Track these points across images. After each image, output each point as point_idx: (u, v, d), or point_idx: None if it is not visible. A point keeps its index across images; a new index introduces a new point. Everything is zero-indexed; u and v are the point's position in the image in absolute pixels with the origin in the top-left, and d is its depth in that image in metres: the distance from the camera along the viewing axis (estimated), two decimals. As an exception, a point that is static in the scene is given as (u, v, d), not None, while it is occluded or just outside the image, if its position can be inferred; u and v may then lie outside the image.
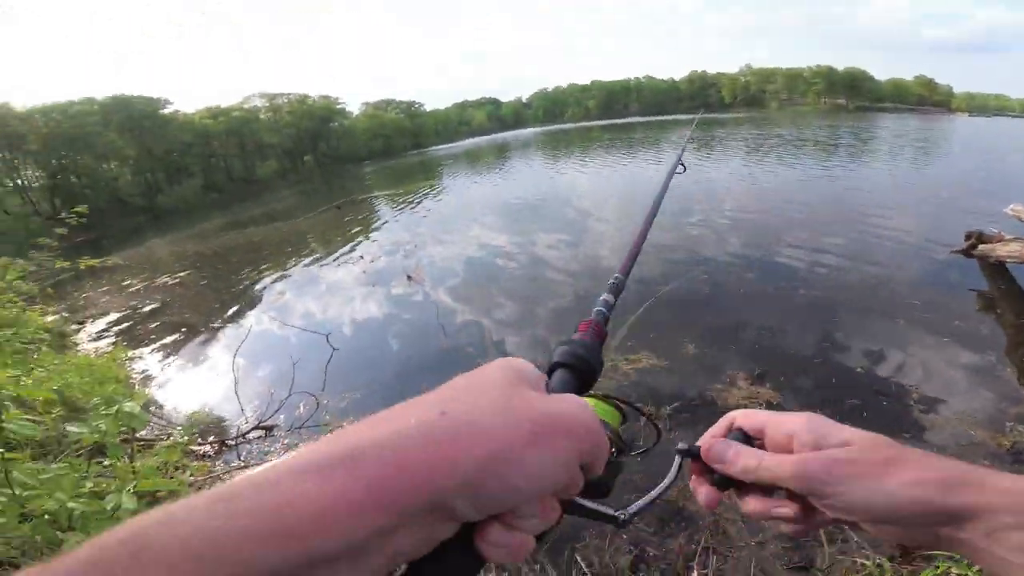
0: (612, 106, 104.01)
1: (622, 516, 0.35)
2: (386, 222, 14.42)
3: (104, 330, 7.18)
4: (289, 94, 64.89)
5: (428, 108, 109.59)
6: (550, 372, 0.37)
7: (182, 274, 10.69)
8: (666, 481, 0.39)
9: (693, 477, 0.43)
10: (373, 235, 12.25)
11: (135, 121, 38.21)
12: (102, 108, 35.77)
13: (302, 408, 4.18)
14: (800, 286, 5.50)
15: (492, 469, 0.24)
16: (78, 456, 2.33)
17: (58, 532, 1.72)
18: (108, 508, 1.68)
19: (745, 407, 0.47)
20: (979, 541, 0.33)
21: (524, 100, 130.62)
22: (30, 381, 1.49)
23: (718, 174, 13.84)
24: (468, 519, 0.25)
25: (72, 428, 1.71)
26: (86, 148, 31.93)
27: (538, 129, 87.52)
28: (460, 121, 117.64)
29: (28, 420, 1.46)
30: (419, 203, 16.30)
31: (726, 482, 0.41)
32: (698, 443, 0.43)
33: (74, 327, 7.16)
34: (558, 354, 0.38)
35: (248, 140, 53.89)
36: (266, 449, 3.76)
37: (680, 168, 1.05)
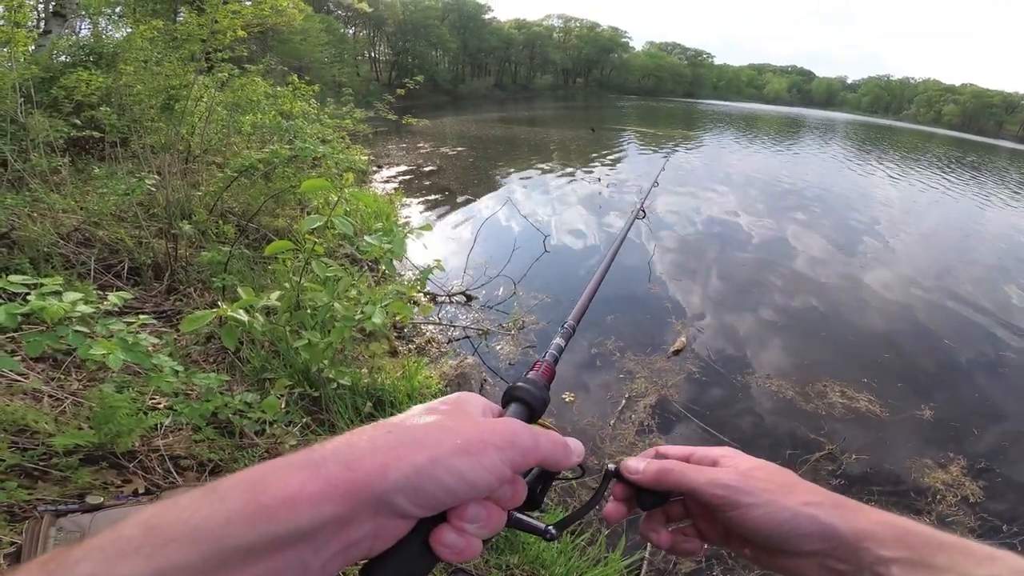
0: (978, 119, 74.50)
1: (549, 530, 0.37)
2: (628, 155, 13.66)
3: (392, 176, 8.66)
4: (582, 19, 65.33)
5: (718, 61, 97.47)
6: (506, 404, 0.39)
7: (459, 149, 12.14)
8: (590, 499, 0.42)
9: (612, 495, 0.43)
10: (612, 164, 11.74)
11: (463, 21, 43.80)
12: (443, 6, 41.68)
13: (501, 291, 4.31)
14: None
15: (427, 472, 0.27)
16: (356, 266, 2.66)
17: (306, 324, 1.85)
18: (356, 319, 1.72)
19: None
20: None
21: (848, 81, 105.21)
22: (348, 192, 1.63)
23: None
24: (412, 515, 0.28)
25: (369, 239, 1.77)
26: (424, 36, 37.91)
27: (854, 117, 70.88)
28: (750, 83, 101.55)
29: (346, 219, 1.63)
30: (669, 150, 14.85)
31: (648, 502, 0.42)
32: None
33: (374, 168, 8.75)
34: (513, 389, 0.39)
35: (537, 53, 57.23)
36: (459, 315, 3.95)
37: (641, 214, 1.00)
